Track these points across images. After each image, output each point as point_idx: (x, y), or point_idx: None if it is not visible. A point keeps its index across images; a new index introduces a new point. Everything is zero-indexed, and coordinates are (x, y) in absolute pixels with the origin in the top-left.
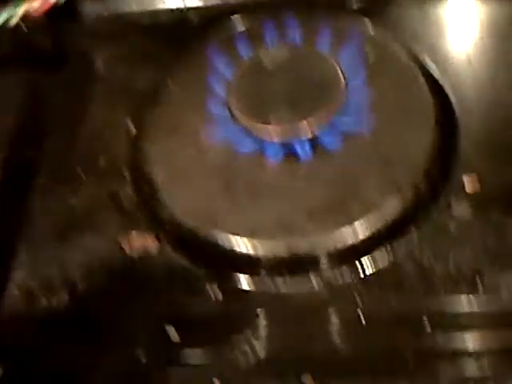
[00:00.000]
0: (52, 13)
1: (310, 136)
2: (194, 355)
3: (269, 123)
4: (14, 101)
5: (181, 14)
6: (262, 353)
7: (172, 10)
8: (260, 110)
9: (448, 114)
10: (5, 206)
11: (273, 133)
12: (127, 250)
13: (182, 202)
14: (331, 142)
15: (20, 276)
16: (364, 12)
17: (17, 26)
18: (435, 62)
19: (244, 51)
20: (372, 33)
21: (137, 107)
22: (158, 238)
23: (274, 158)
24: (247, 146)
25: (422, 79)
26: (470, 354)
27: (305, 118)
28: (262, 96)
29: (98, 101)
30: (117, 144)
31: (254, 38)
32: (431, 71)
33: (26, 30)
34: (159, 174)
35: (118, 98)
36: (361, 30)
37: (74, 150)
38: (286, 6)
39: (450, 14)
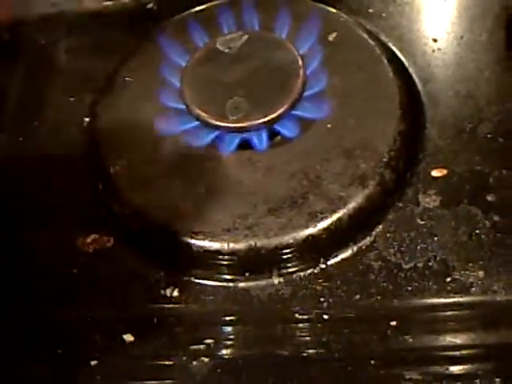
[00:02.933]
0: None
1: (267, 126)
2: (149, 358)
3: (225, 115)
4: None
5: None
6: (223, 358)
7: None
8: (215, 101)
9: (414, 102)
10: None
11: (229, 124)
12: (82, 248)
13: (137, 198)
14: (289, 131)
15: None
16: None
17: None
18: (401, 47)
19: (199, 38)
20: (333, 17)
21: (92, 98)
22: (113, 236)
23: (230, 150)
24: (202, 138)
25: (386, 65)
26: (437, 352)
27: (262, 109)
28: (217, 85)
29: (52, 92)
30: (72, 137)
31: (211, 23)
32: (396, 57)
33: None
34: (114, 169)
35: (72, 89)
36: (320, 14)
37: (29, 144)
38: None
39: None
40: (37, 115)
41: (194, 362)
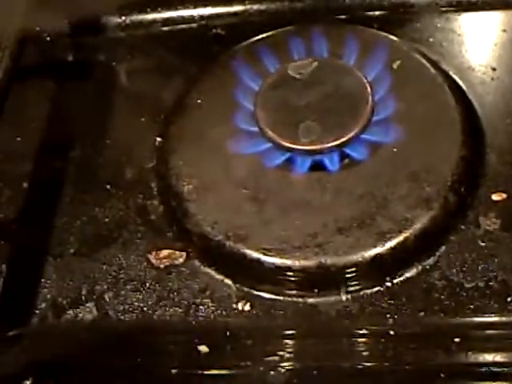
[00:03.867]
0: (75, 24)
1: (338, 149)
2: (225, 369)
3: (297, 138)
4: (39, 113)
5: (205, 23)
6: (290, 368)
7: (194, 18)
8: (288, 124)
9: (475, 127)
10: (32, 219)
11: (301, 147)
12: (155, 263)
13: (209, 215)
14: (359, 154)
15: (48, 291)
16: (388, 24)
17: (40, 36)
18: (461, 75)
19: (270, 63)
20: (397, 46)
21: (162, 119)
22: (185, 251)
23: (301, 171)
24: (275, 159)
25: (448, 92)
26: (498, 372)
27: (334, 134)
28: (289, 109)
29: (123, 112)
30: (143, 156)
31: (280, 49)
32: (457, 84)
33: (49, 40)
34: (186, 187)
35: (143, 110)
36: (386, 42)
37: (101, 163)
38: (311, 17)
39: (473, 25)
40: (108, 134)
41: (272, 373)
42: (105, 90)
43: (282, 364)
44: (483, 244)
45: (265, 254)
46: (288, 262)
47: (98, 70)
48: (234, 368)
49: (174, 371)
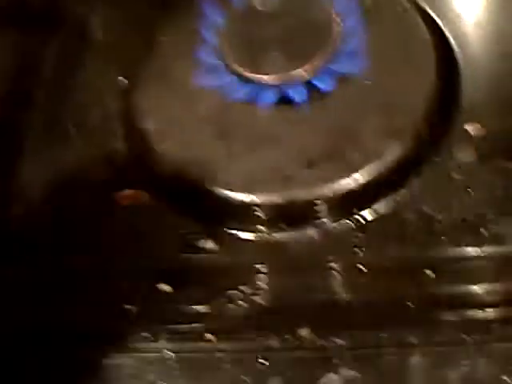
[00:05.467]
0: None
1: (305, 81)
2: (188, 309)
3: (263, 70)
4: (5, 62)
5: None
6: (259, 305)
7: None
8: (253, 57)
9: (449, 60)
10: None
11: (267, 79)
12: (120, 202)
13: (174, 153)
14: (326, 85)
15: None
16: None
17: None
18: (435, 7)
19: None
20: None
21: (129, 63)
22: (150, 191)
23: (268, 105)
24: (240, 94)
25: (421, 23)
26: (473, 303)
27: (300, 64)
28: (254, 42)
29: (91, 58)
30: (109, 98)
31: None
32: (431, 16)
33: None
34: (150, 126)
35: (111, 55)
36: None
37: (65, 107)
38: None
39: None
40: (73, 79)
41: (231, 306)
42: (73, 38)
43: (246, 298)
44: (458, 176)
45: (231, 190)
46: (255, 198)
47: (67, 19)
48: (196, 304)
49: (129, 307)
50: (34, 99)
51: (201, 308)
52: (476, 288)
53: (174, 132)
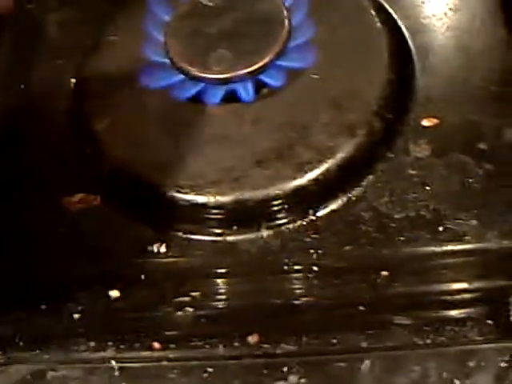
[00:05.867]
0: None
1: (251, 77)
2: (135, 317)
3: (210, 68)
4: None
5: None
6: (209, 312)
7: None
8: (199, 53)
9: (403, 52)
10: None
11: (215, 77)
12: (68, 207)
13: (122, 154)
14: (275, 81)
15: None
16: None
17: None
18: None
19: None
20: None
21: (78, 62)
22: (99, 194)
23: (215, 102)
24: (187, 91)
25: (373, 15)
26: (429, 298)
27: (248, 60)
28: (201, 38)
29: (43, 58)
30: (59, 99)
31: None
32: (384, 8)
33: None
34: (98, 126)
35: (63, 54)
36: None
37: (16, 107)
38: None
39: None
40: (24, 78)
41: (179, 313)
42: (23, 36)
43: (196, 304)
44: (413, 172)
45: (179, 192)
46: (204, 199)
47: (21, 18)
48: (145, 311)
49: (77, 316)
50: None
51: (149, 315)
52: (431, 288)
53: (122, 132)
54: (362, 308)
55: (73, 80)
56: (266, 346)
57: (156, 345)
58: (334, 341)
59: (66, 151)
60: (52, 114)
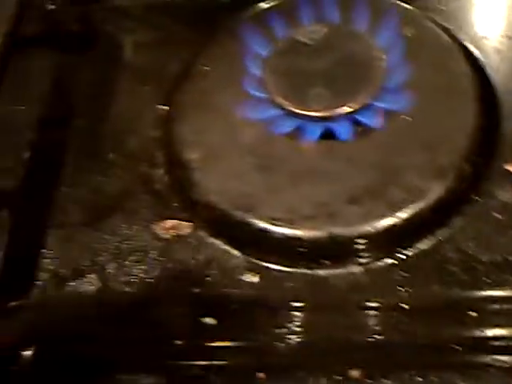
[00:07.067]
0: None
1: (349, 117)
2: (234, 343)
3: (307, 105)
4: (42, 82)
5: None
6: (305, 344)
7: None
8: (298, 91)
9: (489, 96)
10: (34, 190)
11: (312, 114)
12: (160, 234)
13: (216, 184)
14: (371, 121)
15: (50, 262)
16: None
17: (43, 5)
18: (476, 44)
19: (279, 29)
20: (410, 13)
21: (168, 88)
22: (191, 222)
23: (312, 139)
24: (284, 126)
25: (462, 60)
26: None
27: (345, 100)
28: (299, 75)
29: (127, 82)
30: (147, 125)
31: (290, 15)
32: (471, 53)
33: (52, 9)
34: (192, 155)
35: (147, 80)
36: (398, 9)
37: (104, 133)
38: None
39: None
40: (111, 104)
41: (280, 343)
42: (109, 61)
43: (290, 336)
44: (499, 216)
45: (273, 224)
46: (297, 233)
47: (102, 41)
48: (240, 340)
49: (178, 343)
50: (71, 125)
51: (249, 344)
52: None
53: (216, 162)
54: (457, 347)
55: (162, 107)
56: (369, 381)
57: (261, 375)
58: (435, 379)
59: (156, 178)
60: (141, 141)
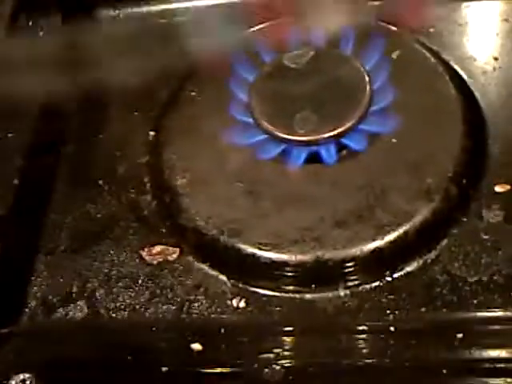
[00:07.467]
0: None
1: (335, 140)
2: (221, 369)
3: (293, 129)
4: (30, 109)
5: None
6: (287, 366)
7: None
8: (283, 115)
9: (476, 118)
10: (23, 217)
11: (297, 138)
12: (147, 260)
13: (203, 210)
14: (357, 144)
15: (39, 289)
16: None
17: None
18: (462, 65)
19: (265, 54)
20: (396, 35)
21: (156, 113)
22: (179, 247)
23: (298, 163)
24: (270, 151)
25: (448, 82)
26: (503, 368)
27: (331, 123)
28: (284, 99)
29: (116, 108)
30: (136, 151)
31: (275, 40)
32: (458, 74)
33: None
34: (179, 181)
35: (136, 105)
36: (384, 32)
37: (93, 158)
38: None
39: (474, 14)
40: (100, 130)
41: (266, 370)
42: (97, 86)
43: (278, 361)
44: (486, 237)
45: (260, 249)
46: (284, 257)
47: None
48: (227, 366)
49: (165, 369)
50: (60, 151)
51: (235, 370)
52: (507, 353)
53: (203, 188)
54: (445, 370)
55: (151, 132)
56: None
57: None
58: None
59: (144, 204)
60: (129, 167)
